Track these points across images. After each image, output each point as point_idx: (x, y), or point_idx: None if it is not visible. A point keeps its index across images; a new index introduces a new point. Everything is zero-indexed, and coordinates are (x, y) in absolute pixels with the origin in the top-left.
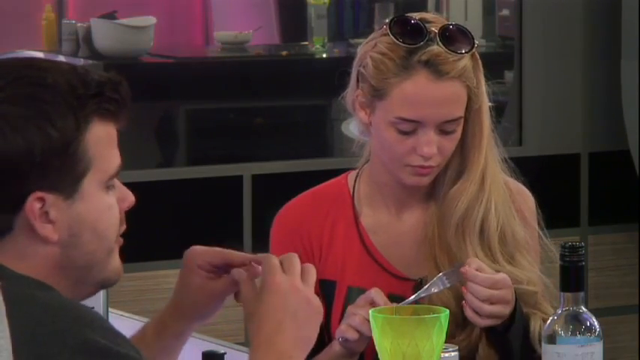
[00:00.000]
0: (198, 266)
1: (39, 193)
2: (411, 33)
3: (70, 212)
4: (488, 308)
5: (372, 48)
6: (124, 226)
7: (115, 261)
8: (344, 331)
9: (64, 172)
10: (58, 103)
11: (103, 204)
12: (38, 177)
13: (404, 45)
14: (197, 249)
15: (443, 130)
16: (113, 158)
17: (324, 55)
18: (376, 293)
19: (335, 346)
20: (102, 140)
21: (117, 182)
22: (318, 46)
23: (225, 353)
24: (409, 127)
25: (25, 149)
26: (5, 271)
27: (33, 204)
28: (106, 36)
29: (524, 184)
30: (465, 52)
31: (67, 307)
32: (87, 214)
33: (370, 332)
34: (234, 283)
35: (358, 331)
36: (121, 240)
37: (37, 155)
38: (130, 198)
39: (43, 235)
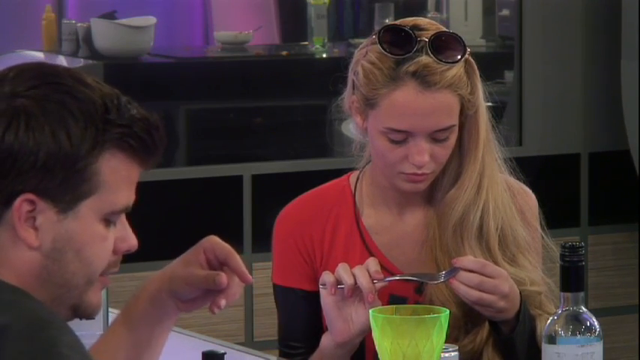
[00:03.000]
0: (205, 249)
1: (30, 195)
2: (399, 43)
3: (58, 226)
4: (476, 294)
5: (364, 56)
6: (117, 268)
7: (94, 295)
8: (322, 276)
9: (65, 185)
10: (83, 119)
11: (95, 233)
12: (35, 180)
13: (392, 55)
14: (215, 240)
15: (435, 138)
16: (123, 195)
17: (324, 55)
18: (372, 260)
19: (324, 341)
20: (118, 173)
21: (124, 222)
22: (318, 46)
23: (225, 353)
24: (400, 137)
25: (30, 149)
26: None
27: (22, 204)
28: (106, 36)
29: (525, 184)
30: (455, 62)
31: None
32: (75, 235)
33: (350, 281)
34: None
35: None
36: (108, 281)
37: (40, 158)
38: (132, 242)
39: (22, 237)
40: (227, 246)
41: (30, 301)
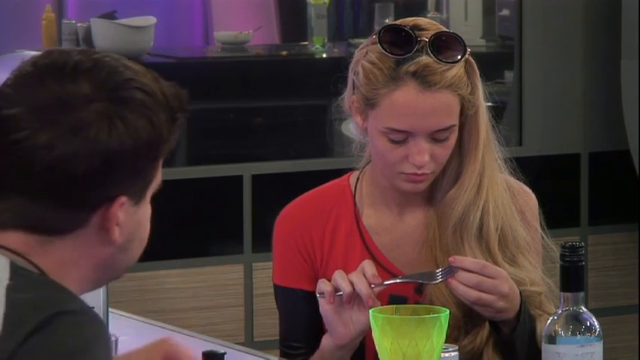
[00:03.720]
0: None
1: (123, 198)
2: (400, 43)
3: (133, 218)
4: (475, 294)
5: (364, 56)
6: None
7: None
8: (319, 284)
9: (144, 178)
10: (160, 108)
11: (148, 213)
12: (129, 182)
13: (392, 55)
14: (173, 345)
15: (435, 138)
16: (160, 173)
17: (324, 55)
18: (367, 263)
19: (324, 342)
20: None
21: None
22: (318, 46)
23: (225, 353)
24: (400, 137)
25: (126, 149)
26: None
27: (116, 207)
28: (106, 36)
29: (525, 184)
30: (455, 62)
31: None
32: (142, 222)
33: (348, 289)
34: None
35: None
36: None
37: (132, 157)
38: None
39: (112, 234)
40: (186, 352)
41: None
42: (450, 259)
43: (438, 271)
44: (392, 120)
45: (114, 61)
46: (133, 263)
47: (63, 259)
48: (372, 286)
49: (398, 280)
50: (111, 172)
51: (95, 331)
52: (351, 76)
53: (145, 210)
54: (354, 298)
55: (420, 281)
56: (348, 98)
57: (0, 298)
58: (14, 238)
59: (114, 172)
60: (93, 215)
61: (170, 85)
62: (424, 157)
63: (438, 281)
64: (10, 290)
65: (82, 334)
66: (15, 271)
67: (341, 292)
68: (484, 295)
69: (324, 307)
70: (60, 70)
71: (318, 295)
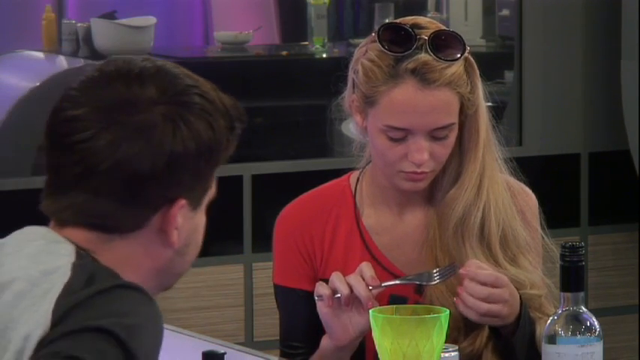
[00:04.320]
0: None
1: (183, 201)
2: (399, 40)
3: (190, 222)
4: (485, 306)
5: (363, 55)
6: None
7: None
8: (317, 287)
9: (203, 182)
10: (220, 115)
11: (203, 220)
12: (189, 184)
13: (391, 53)
14: None
15: (434, 136)
16: (214, 182)
17: (324, 55)
18: (365, 265)
19: (324, 343)
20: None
21: None
22: (318, 46)
23: (225, 353)
24: (399, 135)
25: (188, 152)
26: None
27: (176, 209)
28: (106, 36)
29: (525, 184)
30: (454, 60)
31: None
32: (198, 227)
33: (346, 291)
34: None
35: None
36: None
37: (193, 160)
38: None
39: (170, 237)
40: None
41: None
42: (462, 271)
43: (435, 271)
44: (391, 118)
45: (175, 68)
46: (186, 271)
47: (122, 258)
48: (371, 288)
49: (397, 282)
50: (173, 174)
51: (153, 311)
52: (351, 74)
53: (201, 216)
54: (353, 300)
55: (418, 282)
56: (348, 97)
57: (65, 270)
58: (76, 235)
59: (176, 174)
60: (153, 216)
61: (228, 96)
62: (423, 155)
63: (436, 282)
64: (76, 267)
65: (141, 309)
66: (80, 255)
67: (339, 295)
68: (493, 306)
69: (323, 309)
70: (126, 74)
71: (316, 297)
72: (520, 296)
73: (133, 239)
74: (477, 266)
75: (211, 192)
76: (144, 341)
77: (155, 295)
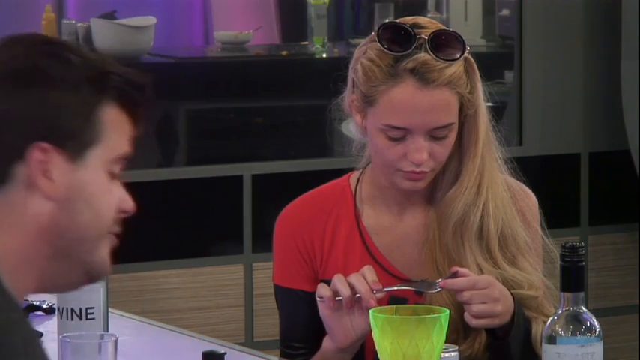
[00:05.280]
0: None
1: (44, 144)
2: (399, 40)
3: (71, 176)
4: (473, 308)
5: (363, 54)
6: (119, 229)
7: (105, 252)
8: (319, 288)
9: (72, 133)
10: (84, 71)
11: (102, 183)
12: (44, 129)
13: (391, 53)
14: None
15: (433, 136)
16: (123, 144)
17: (324, 55)
18: (367, 269)
19: (325, 344)
20: (117, 125)
21: (122, 186)
22: (318, 46)
23: (225, 353)
24: (398, 134)
25: (33, 103)
26: None
27: (36, 153)
28: (106, 36)
29: (525, 185)
30: (454, 60)
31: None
32: (86, 185)
33: (348, 292)
34: None
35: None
36: (115, 239)
37: (50, 106)
38: (131, 204)
39: (40, 187)
40: None
41: None
42: (440, 282)
43: (438, 281)
44: (390, 117)
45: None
46: (93, 238)
47: None
48: (374, 291)
49: (402, 287)
50: (15, 123)
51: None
52: (350, 74)
53: (91, 175)
54: (354, 302)
55: (420, 290)
56: (348, 97)
57: None
58: None
59: (20, 123)
60: (14, 168)
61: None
62: (422, 154)
63: (437, 290)
64: None
65: None
66: None
67: (340, 297)
68: (481, 306)
69: (324, 311)
70: None
71: (317, 299)
72: (513, 295)
73: (1, 198)
74: (462, 273)
75: (110, 152)
76: None
77: (85, 282)
